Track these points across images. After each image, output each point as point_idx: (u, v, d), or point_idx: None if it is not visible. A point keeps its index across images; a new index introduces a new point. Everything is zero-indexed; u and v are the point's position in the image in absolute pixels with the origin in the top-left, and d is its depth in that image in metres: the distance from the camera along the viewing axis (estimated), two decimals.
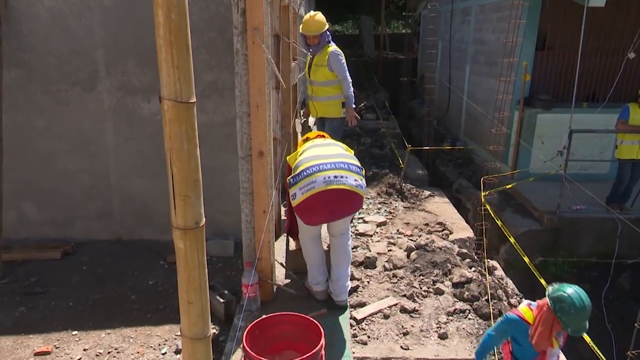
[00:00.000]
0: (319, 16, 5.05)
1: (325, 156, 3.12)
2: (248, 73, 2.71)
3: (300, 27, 5.12)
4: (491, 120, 7.50)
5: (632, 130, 6.01)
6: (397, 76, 16.24)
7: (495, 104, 7.37)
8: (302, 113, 5.79)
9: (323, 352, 2.26)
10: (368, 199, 6.04)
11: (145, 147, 4.42)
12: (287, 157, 3.49)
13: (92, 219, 4.62)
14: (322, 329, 2.33)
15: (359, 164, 3.21)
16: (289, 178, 3.11)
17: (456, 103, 10.96)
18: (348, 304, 3.55)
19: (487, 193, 5.92)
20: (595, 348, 3.19)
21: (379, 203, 6.01)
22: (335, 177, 2.98)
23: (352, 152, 3.44)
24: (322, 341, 2.24)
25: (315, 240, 3.40)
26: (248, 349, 2.16)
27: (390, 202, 6.10)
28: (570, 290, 2.34)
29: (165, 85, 1.07)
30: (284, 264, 3.76)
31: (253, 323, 2.36)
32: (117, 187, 4.55)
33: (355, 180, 3.04)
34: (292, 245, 3.78)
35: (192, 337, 1.26)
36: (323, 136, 3.66)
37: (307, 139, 3.59)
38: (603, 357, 3.09)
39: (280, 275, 3.67)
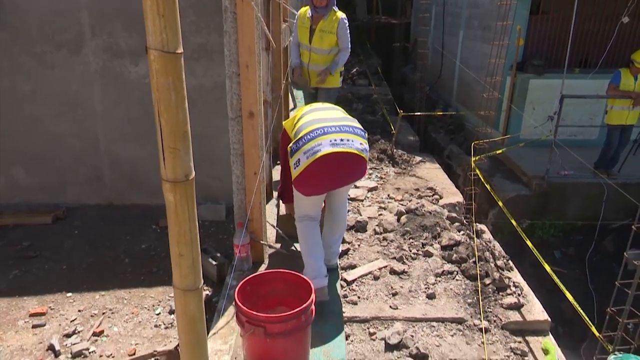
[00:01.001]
0: None
1: (328, 119, 2.95)
2: (237, 32, 2.66)
3: None
4: (483, 86, 7.47)
5: (622, 96, 6.04)
6: (390, 41, 15.98)
7: (487, 68, 7.33)
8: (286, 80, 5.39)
9: (313, 307, 2.32)
10: None
11: (133, 111, 4.36)
12: (284, 122, 3.29)
13: (82, 184, 4.60)
14: (312, 286, 2.38)
15: (362, 127, 3.06)
16: (290, 145, 2.89)
17: (449, 69, 10.87)
18: (339, 266, 3.61)
19: (477, 158, 5.96)
20: (577, 306, 3.30)
21: (371, 169, 6.04)
22: (342, 140, 2.81)
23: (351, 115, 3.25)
24: (313, 296, 2.30)
25: (315, 225, 3.16)
26: (240, 304, 2.21)
27: (382, 168, 6.14)
28: None
29: (152, 34, 1.05)
30: (275, 226, 3.80)
31: (245, 279, 2.41)
32: (107, 151, 4.51)
33: (360, 144, 2.89)
34: (283, 209, 3.81)
35: (184, 288, 1.29)
36: None
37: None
38: (584, 314, 3.20)
39: (271, 236, 3.71)
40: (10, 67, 4.23)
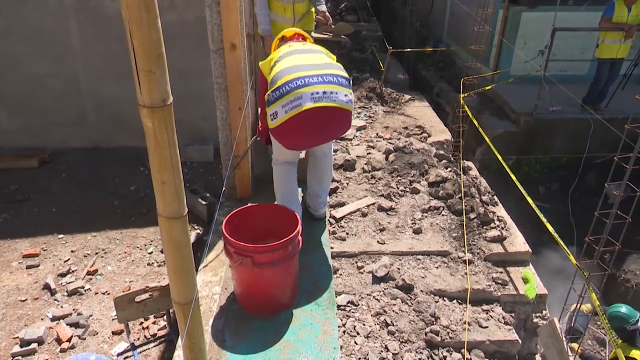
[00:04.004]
0: None
1: (309, 67, 2.68)
2: None
3: None
4: (475, 19, 7.26)
5: (615, 28, 5.92)
6: None
7: (479, 1, 7.09)
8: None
9: (300, 238, 2.37)
10: None
11: (114, 48, 4.20)
12: (260, 64, 2.94)
13: (66, 125, 4.52)
14: (299, 218, 2.42)
15: (346, 75, 2.84)
16: (267, 94, 2.65)
17: (440, 2, 10.50)
18: (327, 208, 3.64)
19: (466, 95, 5.90)
20: (557, 236, 3.41)
21: (359, 107, 5.98)
22: (325, 92, 2.58)
23: (334, 57, 3.01)
24: (299, 227, 2.34)
25: (291, 169, 3.06)
26: (227, 235, 2.25)
27: (370, 107, 6.08)
28: None
29: None
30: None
31: (232, 212, 2.44)
32: (90, 92, 4.40)
33: (345, 95, 2.68)
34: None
35: (168, 216, 1.30)
36: (302, 35, 3.13)
37: (282, 38, 3.07)
38: (563, 244, 3.32)
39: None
40: None
